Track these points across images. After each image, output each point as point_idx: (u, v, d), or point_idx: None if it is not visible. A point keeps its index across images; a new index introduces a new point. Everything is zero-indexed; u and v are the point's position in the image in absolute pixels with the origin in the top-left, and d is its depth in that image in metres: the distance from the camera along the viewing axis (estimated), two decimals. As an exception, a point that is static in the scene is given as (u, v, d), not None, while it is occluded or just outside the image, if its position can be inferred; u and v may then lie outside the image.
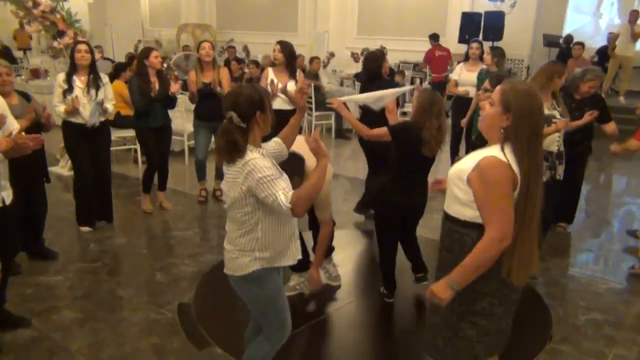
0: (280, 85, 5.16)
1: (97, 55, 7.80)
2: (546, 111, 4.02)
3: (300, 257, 2.53)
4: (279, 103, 5.30)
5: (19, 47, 13.69)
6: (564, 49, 11.15)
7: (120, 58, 11.50)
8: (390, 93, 4.46)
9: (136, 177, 5.71)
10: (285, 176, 2.32)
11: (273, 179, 2.19)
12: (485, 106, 2.13)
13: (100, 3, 13.77)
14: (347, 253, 4.75)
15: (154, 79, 5.10)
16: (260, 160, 2.22)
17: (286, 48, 5.32)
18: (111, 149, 6.63)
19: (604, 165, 8.20)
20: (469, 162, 2.09)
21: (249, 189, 2.23)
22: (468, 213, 2.09)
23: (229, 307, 3.77)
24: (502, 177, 1.98)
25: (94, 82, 4.70)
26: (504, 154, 2.01)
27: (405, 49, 12.98)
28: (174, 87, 5.11)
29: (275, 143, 2.58)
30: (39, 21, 6.52)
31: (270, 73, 5.38)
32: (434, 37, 11.34)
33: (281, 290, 2.53)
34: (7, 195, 3.09)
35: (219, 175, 5.83)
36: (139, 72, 5.11)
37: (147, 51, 5.17)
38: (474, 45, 6.51)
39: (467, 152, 6.66)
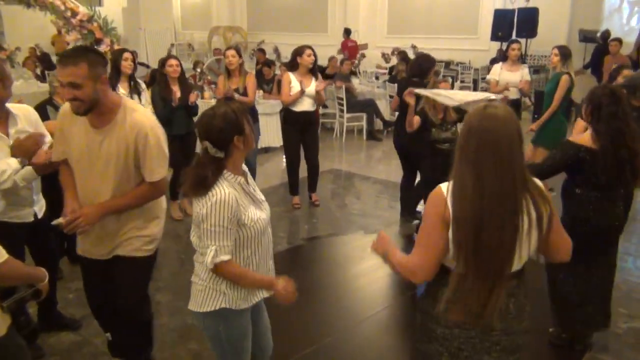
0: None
1: (133, 62, 7.97)
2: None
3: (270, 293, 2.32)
4: (305, 105, 5.53)
5: (56, 53, 14.05)
6: (601, 45, 10.86)
7: (154, 62, 11.70)
8: (475, 97, 4.27)
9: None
10: (233, 230, 2.09)
11: (220, 231, 2.05)
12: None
13: (133, 8, 14.06)
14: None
15: (175, 87, 5.16)
16: (225, 203, 2.03)
17: (315, 53, 5.54)
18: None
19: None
20: None
21: (197, 220, 2.12)
22: None
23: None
24: (428, 209, 1.88)
25: (135, 89, 4.86)
26: (451, 182, 1.82)
27: (436, 47, 12.87)
28: (192, 97, 5.18)
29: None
30: (77, 30, 6.70)
31: (292, 78, 5.52)
32: (347, 32, 13.57)
33: (248, 333, 2.34)
34: (40, 208, 3.17)
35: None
36: (159, 80, 5.22)
37: (164, 60, 5.26)
38: (515, 45, 6.41)
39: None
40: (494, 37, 11.31)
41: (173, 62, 5.20)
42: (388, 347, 3.51)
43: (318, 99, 5.60)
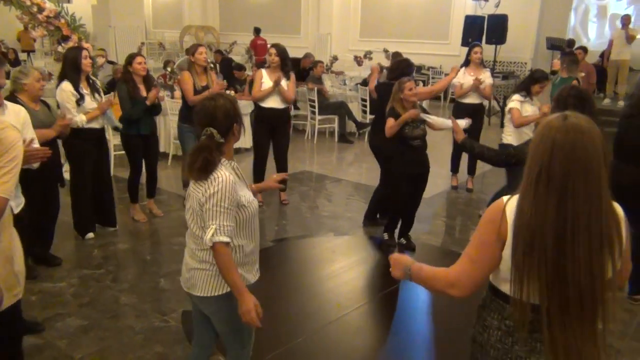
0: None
1: (101, 60, 7.82)
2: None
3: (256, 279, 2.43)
4: (274, 102, 5.60)
5: (23, 49, 13.73)
6: (567, 53, 11.14)
7: (123, 60, 11.52)
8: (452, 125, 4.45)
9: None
10: (232, 211, 2.19)
11: (222, 211, 2.13)
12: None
13: (103, 5, 13.83)
14: (351, 259, 4.76)
15: (140, 86, 5.06)
16: (228, 185, 2.14)
17: (281, 51, 5.59)
18: (114, 153, 6.70)
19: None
20: None
21: (200, 202, 2.18)
22: None
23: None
24: (483, 220, 1.69)
25: (94, 86, 4.73)
26: (514, 196, 1.65)
27: (408, 51, 12.98)
28: (152, 94, 4.99)
29: None
30: (43, 26, 6.53)
31: (264, 74, 5.62)
32: (256, 30, 14.17)
33: None
34: (17, 205, 3.08)
35: None
36: (125, 78, 5.05)
37: (130, 57, 5.11)
38: (477, 49, 6.49)
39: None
40: (465, 42, 11.47)
41: (141, 59, 5.10)
42: (357, 348, 3.51)
43: (282, 93, 5.58)
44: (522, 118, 5.06)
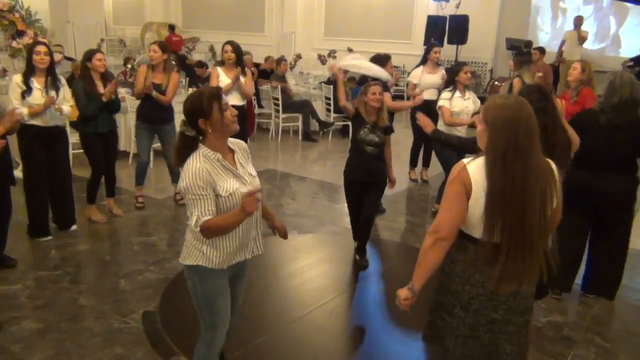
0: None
1: (59, 56, 7.60)
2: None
3: (249, 257, 2.59)
4: (233, 99, 5.55)
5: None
6: (523, 53, 11.42)
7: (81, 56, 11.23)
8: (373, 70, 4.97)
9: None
10: (210, 195, 2.31)
11: (197, 199, 2.28)
12: (477, 123, 2.21)
13: (61, 0, 13.44)
14: (315, 256, 4.77)
15: (98, 82, 4.94)
16: (196, 174, 2.28)
17: (236, 47, 5.61)
18: (73, 152, 6.53)
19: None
20: None
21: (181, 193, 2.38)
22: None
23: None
24: (453, 178, 2.10)
25: (53, 84, 4.57)
26: (475, 159, 2.09)
27: (372, 50, 13.08)
28: (108, 90, 4.85)
29: None
30: (-4, 20, 6.33)
31: (220, 72, 5.63)
32: (171, 27, 14.67)
33: (223, 293, 2.52)
34: None
35: (175, 179, 5.78)
36: (83, 74, 4.92)
37: (90, 53, 4.98)
38: (436, 49, 6.65)
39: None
40: (427, 42, 11.60)
41: (101, 55, 4.98)
42: (321, 345, 3.51)
43: (242, 90, 5.60)
44: (452, 119, 5.32)
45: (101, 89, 4.91)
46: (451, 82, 5.52)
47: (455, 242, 2.16)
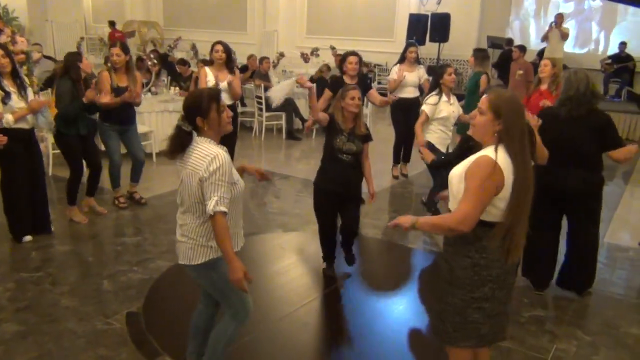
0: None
1: (37, 55, 7.49)
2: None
3: (239, 248, 2.71)
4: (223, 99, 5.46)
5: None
6: (506, 50, 11.54)
7: (62, 56, 11.09)
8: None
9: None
10: (229, 186, 2.49)
11: (222, 184, 2.42)
12: (475, 115, 2.36)
13: (39, -2, 13.26)
14: (300, 255, 4.77)
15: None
16: (226, 162, 2.44)
17: (226, 47, 5.60)
18: (52, 152, 6.44)
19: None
20: (466, 163, 2.33)
21: (202, 178, 2.43)
22: None
23: (180, 316, 3.71)
24: (484, 173, 2.20)
25: (22, 85, 4.49)
26: (496, 153, 2.23)
27: (354, 48, 13.09)
28: (90, 93, 4.80)
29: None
30: (-28, 18, 6.20)
31: (208, 71, 5.61)
32: (111, 24, 14.83)
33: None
34: None
35: (136, 178, 5.76)
36: (76, 77, 4.85)
37: (79, 56, 4.98)
38: (413, 49, 6.81)
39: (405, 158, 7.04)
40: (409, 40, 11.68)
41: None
42: (306, 344, 3.52)
43: (231, 90, 5.58)
44: (420, 130, 5.26)
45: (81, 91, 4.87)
46: (436, 85, 5.36)
47: (474, 234, 2.28)
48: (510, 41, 11.75)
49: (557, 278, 4.18)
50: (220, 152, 2.46)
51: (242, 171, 2.89)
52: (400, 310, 3.93)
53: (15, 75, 4.46)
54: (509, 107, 2.25)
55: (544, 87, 5.44)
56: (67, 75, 4.87)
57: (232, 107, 5.71)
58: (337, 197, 4.04)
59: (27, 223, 4.74)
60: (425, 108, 5.29)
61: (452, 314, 2.41)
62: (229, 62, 5.59)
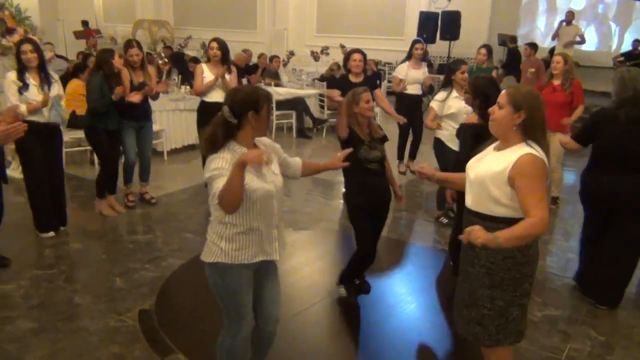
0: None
1: (49, 54, 7.54)
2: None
3: (275, 258, 2.59)
4: (217, 96, 5.58)
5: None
6: (511, 48, 11.44)
7: (73, 55, 11.16)
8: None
9: (93, 179, 5.57)
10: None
11: (214, 177, 2.29)
12: (494, 110, 2.38)
13: (51, -3, 13.36)
14: (311, 253, 4.76)
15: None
16: (219, 158, 2.32)
17: (222, 44, 5.66)
18: (66, 150, 6.48)
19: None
20: (498, 163, 2.33)
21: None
22: (502, 210, 2.35)
23: (192, 313, 3.73)
24: (541, 171, 2.27)
25: (46, 79, 4.57)
26: (535, 149, 2.28)
27: (364, 47, 13.06)
28: (119, 90, 4.95)
29: (294, 161, 2.82)
30: (-14, 18, 6.26)
31: (204, 68, 5.68)
32: (85, 23, 14.52)
33: (245, 287, 2.53)
34: None
35: (146, 178, 5.79)
36: (109, 73, 4.96)
37: (112, 53, 5.08)
38: (419, 45, 6.87)
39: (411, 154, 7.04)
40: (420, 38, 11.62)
41: (134, 51, 5.18)
42: (317, 342, 3.52)
43: (226, 87, 5.57)
44: (432, 123, 5.13)
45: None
46: (448, 82, 5.15)
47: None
48: (513, 38, 11.63)
49: (576, 278, 4.15)
50: (221, 155, 2.35)
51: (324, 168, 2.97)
52: (412, 309, 3.92)
53: (41, 70, 4.55)
54: (529, 99, 2.31)
55: (556, 82, 5.41)
56: (100, 70, 5.00)
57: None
58: (376, 211, 3.76)
59: (50, 218, 4.82)
60: (432, 104, 5.20)
61: (496, 317, 2.43)
62: (225, 59, 5.64)
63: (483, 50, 6.90)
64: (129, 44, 5.34)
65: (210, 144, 2.37)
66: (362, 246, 3.75)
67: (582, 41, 11.00)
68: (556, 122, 5.26)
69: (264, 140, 2.58)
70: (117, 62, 5.02)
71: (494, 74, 6.45)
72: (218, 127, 2.38)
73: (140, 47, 5.38)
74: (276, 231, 2.58)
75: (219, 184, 2.25)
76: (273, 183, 2.49)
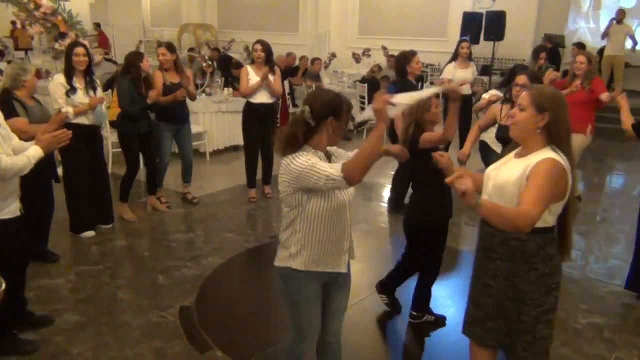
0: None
1: (99, 58, 7.80)
2: None
3: (345, 270, 2.48)
4: (262, 97, 5.70)
5: (19, 47, 13.67)
6: (550, 48, 11.10)
7: (122, 59, 11.50)
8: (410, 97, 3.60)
9: (137, 179, 5.72)
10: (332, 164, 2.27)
11: (312, 164, 2.17)
12: (515, 113, 2.23)
13: (101, 3, 13.83)
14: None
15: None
16: (299, 156, 2.22)
17: (266, 46, 5.70)
18: (112, 150, 6.69)
19: (601, 165, 8.20)
20: (519, 170, 2.17)
21: (289, 183, 2.26)
22: None
23: (231, 311, 3.79)
24: (557, 176, 2.10)
25: (92, 83, 4.71)
26: (559, 155, 2.15)
27: (406, 48, 12.98)
28: (154, 93, 5.07)
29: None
30: (40, 23, 6.53)
31: (249, 70, 5.73)
32: (97, 25, 14.40)
33: (312, 301, 2.46)
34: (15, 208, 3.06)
35: (188, 179, 5.88)
36: (136, 76, 5.04)
37: (140, 56, 5.19)
38: (464, 44, 6.79)
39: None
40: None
41: (160, 51, 5.29)
42: (355, 344, 3.48)
43: (270, 88, 5.67)
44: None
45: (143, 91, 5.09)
46: (507, 84, 4.54)
47: (543, 245, 2.22)
48: (549, 38, 11.29)
49: (629, 282, 4.02)
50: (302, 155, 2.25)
51: (386, 153, 2.67)
52: (451, 313, 3.86)
53: (87, 74, 4.70)
54: (554, 99, 2.17)
55: (577, 82, 5.30)
56: (128, 74, 5.08)
57: (273, 105, 5.85)
58: (440, 225, 3.49)
59: (87, 219, 4.94)
60: (485, 95, 5.03)
61: (523, 333, 2.29)
62: (268, 61, 5.67)
63: (543, 55, 6.80)
64: (158, 45, 5.46)
65: (290, 143, 2.26)
66: (436, 268, 3.56)
67: (634, 42, 10.61)
68: (576, 120, 5.03)
69: (335, 150, 2.46)
70: (145, 65, 5.09)
71: (549, 73, 6.27)
72: (298, 127, 2.27)
73: (171, 48, 5.42)
74: (347, 244, 2.49)
75: (323, 166, 2.16)
76: (348, 192, 2.41)
